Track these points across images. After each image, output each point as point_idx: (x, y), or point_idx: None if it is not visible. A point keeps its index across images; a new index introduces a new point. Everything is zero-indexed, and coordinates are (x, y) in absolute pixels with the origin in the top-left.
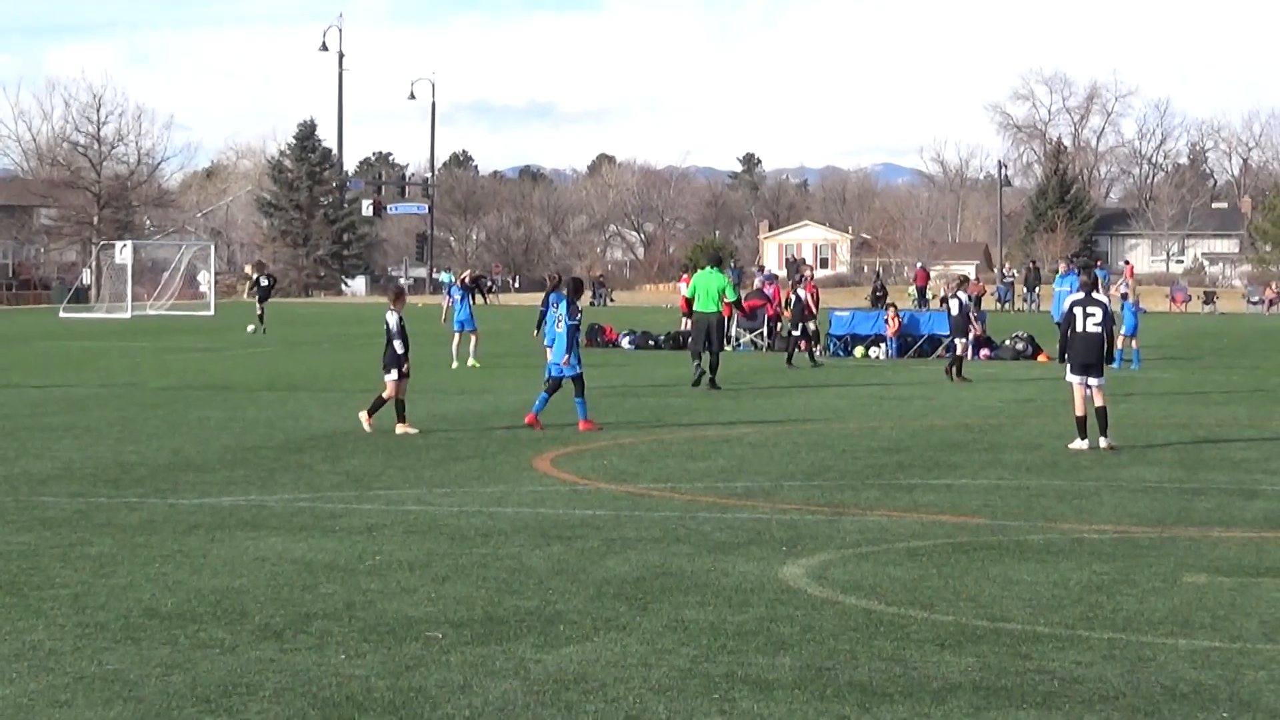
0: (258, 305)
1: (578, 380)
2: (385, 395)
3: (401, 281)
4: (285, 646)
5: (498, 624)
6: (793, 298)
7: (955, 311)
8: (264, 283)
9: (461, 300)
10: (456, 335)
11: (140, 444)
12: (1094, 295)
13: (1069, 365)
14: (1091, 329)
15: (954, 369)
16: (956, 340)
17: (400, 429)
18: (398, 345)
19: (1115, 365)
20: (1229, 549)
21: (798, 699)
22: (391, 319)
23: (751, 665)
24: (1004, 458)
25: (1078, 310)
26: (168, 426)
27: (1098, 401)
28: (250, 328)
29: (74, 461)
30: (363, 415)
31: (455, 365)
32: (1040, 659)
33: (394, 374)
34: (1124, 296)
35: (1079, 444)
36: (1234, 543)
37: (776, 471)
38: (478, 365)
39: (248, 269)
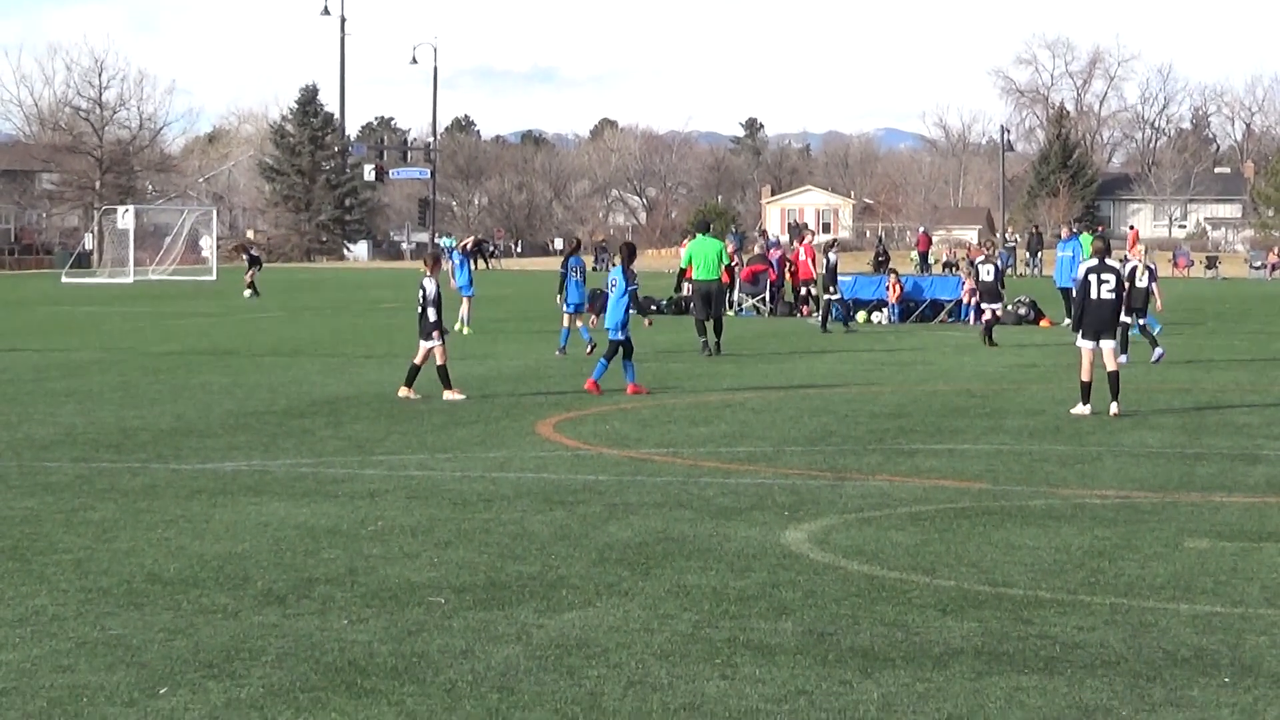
0: (247, 276)
1: (615, 345)
2: (440, 361)
3: (440, 245)
4: (288, 611)
5: (500, 589)
6: (823, 261)
7: (990, 277)
8: (254, 254)
9: (461, 266)
10: (465, 300)
11: (142, 409)
12: (1107, 261)
13: (1081, 331)
14: (1105, 295)
15: (989, 334)
16: (988, 306)
17: (403, 392)
18: (431, 313)
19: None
20: (1231, 514)
21: (800, 664)
22: (429, 285)
23: (754, 630)
24: (1006, 423)
25: (1092, 277)
26: (170, 392)
27: (1110, 365)
28: (246, 294)
29: (76, 427)
30: (447, 394)
31: (463, 330)
32: (1042, 624)
33: (435, 340)
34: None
35: (1082, 409)
36: (1236, 508)
37: (779, 436)
38: (469, 332)
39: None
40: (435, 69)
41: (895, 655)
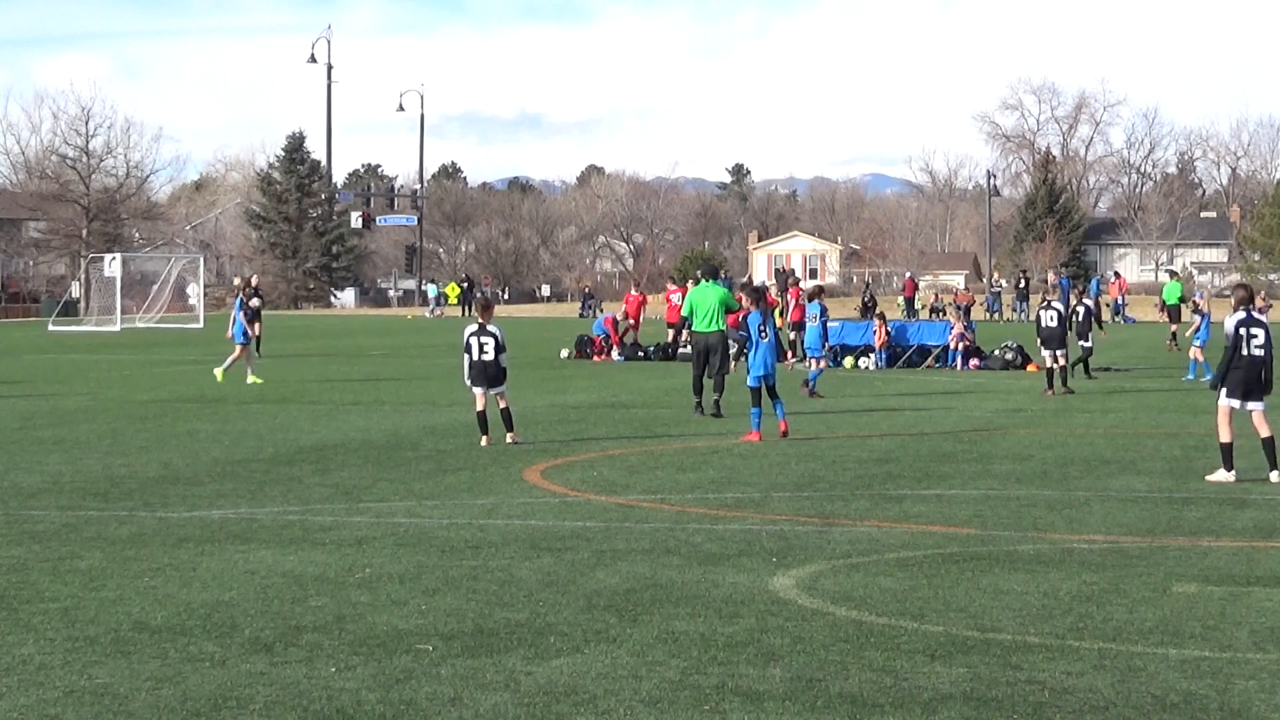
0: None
1: (774, 389)
2: (503, 405)
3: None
4: (275, 660)
5: (488, 636)
6: (1080, 308)
7: (1054, 323)
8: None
9: (238, 313)
10: (239, 348)
11: (130, 457)
12: (1255, 314)
13: (1225, 389)
14: (1255, 351)
15: (1060, 380)
16: (1050, 353)
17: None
18: (503, 359)
19: (1190, 376)
20: (1219, 558)
21: (788, 710)
22: (499, 332)
23: (742, 677)
24: (994, 468)
25: (1243, 330)
26: (157, 439)
27: (1264, 431)
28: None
29: (63, 475)
30: (507, 436)
31: (251, 380)
32: (1031, 669)
33: (504, 385)
34: (1196, 308)
35: (1223, 476)
36: (1224, 552)
37: (766, 482)
38: (222, 380)
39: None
40: (422, 116)
41: (884, 701)
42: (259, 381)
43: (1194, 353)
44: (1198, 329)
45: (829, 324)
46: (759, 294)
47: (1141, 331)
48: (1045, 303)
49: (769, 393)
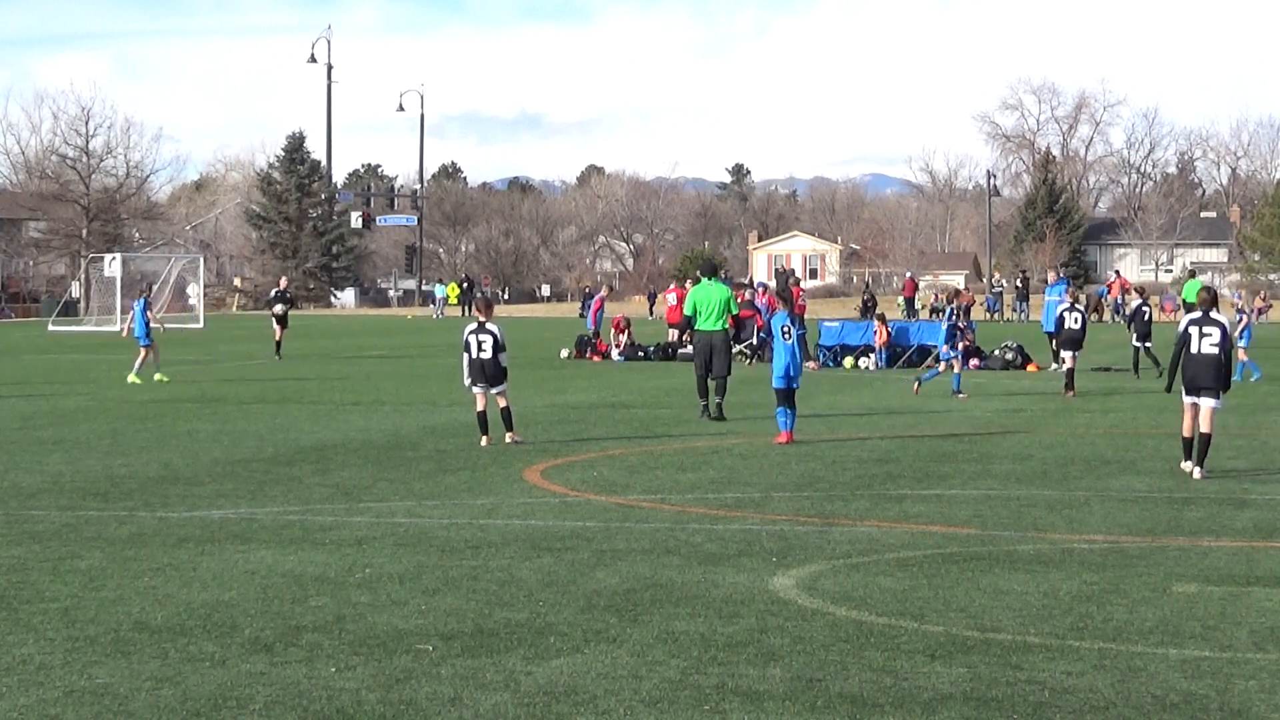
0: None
1: (793, 394)
2: (503, 404)
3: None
4: (275, 660)
5: (488, 636)
6: (1145, 309)
7: (1077, 325)
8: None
9: (141, 314)
10: (143, 350)
11: (130, 457)
12: (1211, 314)
13: (1184, 387)
14: (1208, 350)
15: (1073, 379)
16: (1069, 354)
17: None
18: (503, 358)
19: (1237, 377)
20: (1219, 558)
21: (788, 710)
22: (499, 331)
23: (742, 677)
24: (994, 468)
25: (1194, 329)
26: (157, 439)
27: (1204, 427)
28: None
29: (63, 475)
30: (507, 435)
31: (153, 377)
32: (1031, 669)
33: (505, 384)
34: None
35: (1188, 466)
36: (1224, 552)
37: (766, 482)
38: (139, 381)
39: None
40: (422, 116)
41: (884, 701)
42: (165, 380)
43: (1240, 354)
44: (1242, 330)
45: (828, 324)
46: (787, 295)
47: None
48: (1069, 304)
49: (786, 398)
